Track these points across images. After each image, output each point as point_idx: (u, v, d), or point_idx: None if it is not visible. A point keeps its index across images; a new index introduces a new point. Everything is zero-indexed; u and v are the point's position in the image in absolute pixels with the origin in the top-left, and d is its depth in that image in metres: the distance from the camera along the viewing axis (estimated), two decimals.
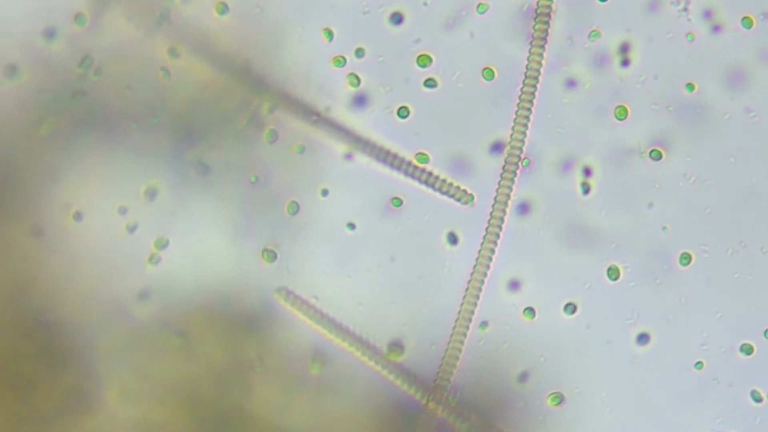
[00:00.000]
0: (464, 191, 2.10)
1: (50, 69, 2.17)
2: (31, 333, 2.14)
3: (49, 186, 2.16)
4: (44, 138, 2.16)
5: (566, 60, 2.18)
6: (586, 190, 2.18)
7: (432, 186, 2.09)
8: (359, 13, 2.18)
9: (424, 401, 2.15)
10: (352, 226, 2.17)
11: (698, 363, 2.17)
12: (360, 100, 2.18)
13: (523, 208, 2.17)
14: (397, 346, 2.16)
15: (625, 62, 2.18)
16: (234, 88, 2.16)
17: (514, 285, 2.18)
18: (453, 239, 2.17)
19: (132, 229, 2.16)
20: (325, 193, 2.16)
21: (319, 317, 2.15)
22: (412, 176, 2.14)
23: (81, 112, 2.16)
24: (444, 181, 2.11)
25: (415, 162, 2.13)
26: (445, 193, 2.06)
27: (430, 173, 2.12)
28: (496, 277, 2.17)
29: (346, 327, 2.16)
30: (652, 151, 2.17)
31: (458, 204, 2.14)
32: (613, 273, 2.17)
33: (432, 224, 2.18)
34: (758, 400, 2.16)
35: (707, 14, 2.18)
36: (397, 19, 2.18)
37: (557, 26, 2.17)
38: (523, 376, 2.17)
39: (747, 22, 2.17)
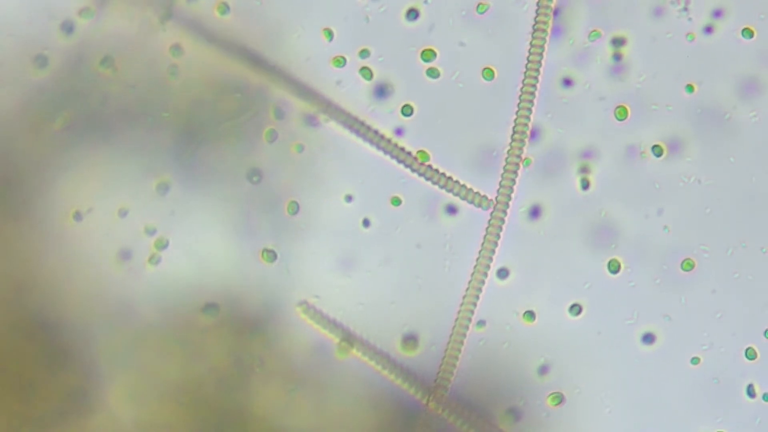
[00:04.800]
0: (484, 197, 2.10)
1: (56, 66, 2.17)
2: (31, 333, 2.14)
3: (50, 185, 2.16)
4: (44, 138, 2.15)
5: (566, 60, 2.18)
6: (585, 185, 2.18)
7: (451, 190, 2.09)
8: (359, 13, 2.18)
9: (424, 401, 2.15)
10: (366, 222, 2.17)
11: (695, 359, 2.17)
12: (366, 100, 2.18)
13: (523, 207, 2.18)
14: (411, 339, 2.16)
15: (625, 62, 2.18)
16: (237, 85, 2.16)
17: (515, 285, 2.18)
18: (451, 214, 2.17)
19: (132, 228, 2.16)
20: (348, 198, 2.16)
21: (340, 331, 2.15)
22: (431, 180, 2.14)
23: (82, 111, 2.16)
24: (463, 186, 2.11)
25: (434, 166, 2.14)
26: (464, 198, 2.06)
27: (449, 177, 2.12)
28: (497, 276, 2.17)
29: (366, 340, 2.16)
30: (654, 147, 2.18)
31: (478, 209, 2.15)
32: (613, 265, 2.17)
33: (431, 224, 2.18)
34: (752, 395, 2.17)
35: (708, 14, 2.18)
36: (413, 15, 2.18)
37: (558, 26, 2.18)
38: (524, 376, 2.18)
39: (747, 32, 2.18)
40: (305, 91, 2.15)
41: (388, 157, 2.14)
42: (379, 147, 2.15)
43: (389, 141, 2.14)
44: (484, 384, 2.18)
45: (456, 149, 2.18)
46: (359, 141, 2.16)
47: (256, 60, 2.15)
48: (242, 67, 2.15)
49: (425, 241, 2.18)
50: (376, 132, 2.15)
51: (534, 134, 2.17)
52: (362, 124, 2.15)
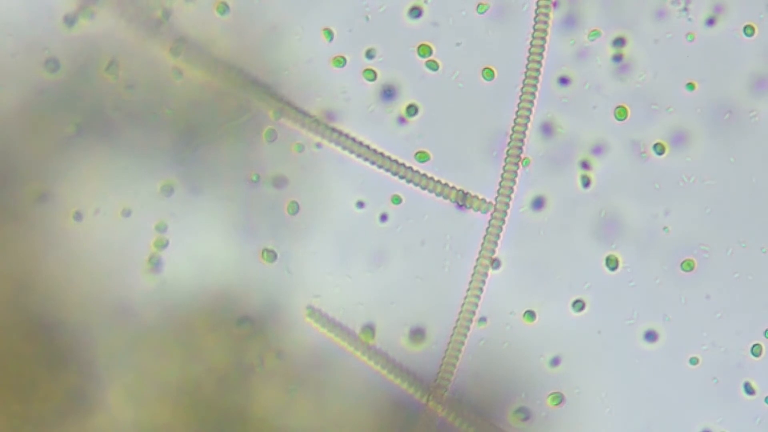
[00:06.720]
0: (483, 200, 2.10)
1: (58, 66, 2.17)
2: (31, 334, 2.14)
3: (50, 185, 2.16)
4: (44, 137, 2.15)
5: (567, 59, 2.18)
6: (586, 183, 2.18)
7: (448, 197, 2.09)
8: (359, 13, 2.18)
9: (424, 401, 2.15)
10: (383, 219, 2.17)
11: (694, 358, 2.17)
12: (364, 103, 2.18)
13: (523, 207, 2.18)
14: (418, 333, 2.16)
15: (625, 62, 2.18)
16: (234, 91, 2.16)
17: (515, 284, 2.18)
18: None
19: (132, 228, 2.16)
20: (360, 205, 2.16)
21: (348, 336, 2.15)
22: (426, 188, 2.14)
23: (83, 111, 2.16)
24: (460, 191, 2.11)
25: (429, 174, 2.14)
26: (463, 204, 2.06)
27: (445, 184, 2.12)
28: (497, 276, 2.17)
29: (374, 346, 2.16)
30: (655, 145, 2.18)
31: (478, 213, 2.15)
32: (611, 263, 2.17)
33: (432, 223, 2.18)
34: (751, 392, 2.17)
35: (708, 13, 2.18)
36: (417, 13, 2.18)
37: (557, 25, 2.18)
38: (523, 376, 2.18)
39: (749, 30, 2.18)
40: (298, 116, 2.16)
41: (382, 171, 2.15)
42: (372, 162, 2.15)
43: (381, 155, 2.14)
44: (484, 383, 2.18)
45: (455, 149, 2.18)
46: (354, 157, 2.16)
47: (252, 79, 2.15)
48: (239, 83, 2.16)
49: (426, 240, 2.18)
50: (368, 147, 2.15)
51: (534, 133, 2.17)
52: (355, 141, 2.15)
